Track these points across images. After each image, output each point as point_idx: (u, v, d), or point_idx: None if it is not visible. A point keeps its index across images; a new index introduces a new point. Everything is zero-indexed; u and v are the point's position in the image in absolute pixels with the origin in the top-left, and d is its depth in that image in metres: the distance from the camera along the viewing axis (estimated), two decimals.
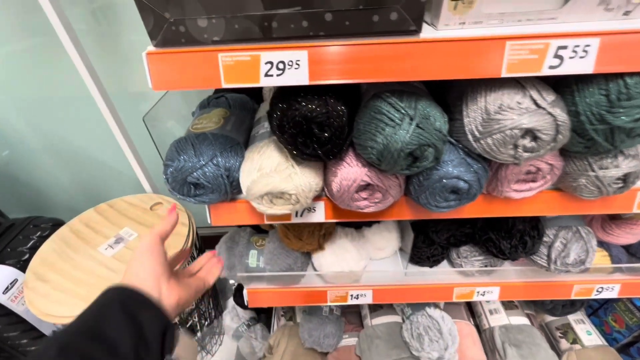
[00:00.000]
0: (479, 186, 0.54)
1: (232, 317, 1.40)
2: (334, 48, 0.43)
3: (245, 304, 0.90)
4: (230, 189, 0.60)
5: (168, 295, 0.41)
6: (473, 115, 0.49)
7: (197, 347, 1.25)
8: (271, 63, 0.44)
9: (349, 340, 1.11)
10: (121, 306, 0.35)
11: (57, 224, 1.22)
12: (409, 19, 0.42)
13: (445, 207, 0.58)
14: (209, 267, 0.55)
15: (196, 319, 1.16)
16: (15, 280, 1.03)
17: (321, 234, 0.79)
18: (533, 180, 0.58)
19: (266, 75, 0.45)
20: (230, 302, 1.40)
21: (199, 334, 1.22)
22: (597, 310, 1.16)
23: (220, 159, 0.58)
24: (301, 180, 0.55)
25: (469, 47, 0.43)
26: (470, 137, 0.50)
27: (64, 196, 1.55)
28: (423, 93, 0.52)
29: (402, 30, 0.43)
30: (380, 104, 0.48)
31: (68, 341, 0.32)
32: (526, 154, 0.48)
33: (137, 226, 1.05)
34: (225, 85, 0.46)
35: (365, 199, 0.58)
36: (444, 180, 0.53)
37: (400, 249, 0.95)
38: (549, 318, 1.18)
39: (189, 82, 0.46)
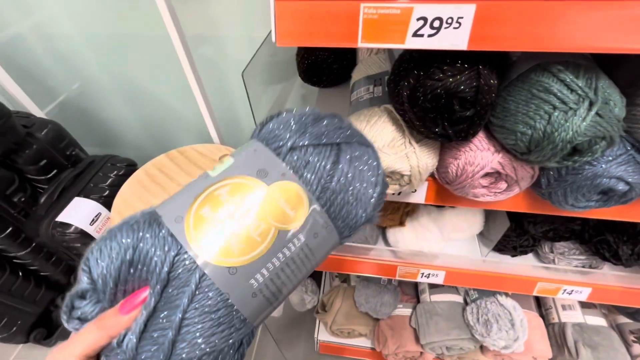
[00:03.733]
0: None
1: None
2: (517, 2, 0.33)
3: None
4: None
5: None
6: None
7: None
8: (424, 19, 0.35)
9: (402, 310, 1.11)
10: None
11: (130, 164, 1.27)
12: None
13: (582, 208, 0.49)
14: None
15: None
16: (99, 214, 1.11)
17: (405, 211, 0.74)
18: None
19: (415, 34, 0.36)
20: None
21: None
22: None
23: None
24: (419, 160, 0.48)
25: None
26: None
27: (130, 135, 1.60)
28: (597, 67, 0.41)
29: None
30: (548, 79, 0.38)
31: None
32: None
33: None
34: (361, 45, 0.38)
35: (485, 187, 0.51)
36: (600, 180, 0.44)
37: (481, 233, 0.88)
38: (623, 319, 1.09)
39: (319, 37, 0.38)
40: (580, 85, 0.37)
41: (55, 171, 1.15)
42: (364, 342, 1.17)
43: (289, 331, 1.35)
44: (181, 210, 0.27)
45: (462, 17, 0.35)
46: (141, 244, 0.26)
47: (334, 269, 0.92)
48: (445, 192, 0.57)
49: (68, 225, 1.02)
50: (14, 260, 1.13)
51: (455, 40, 0.36)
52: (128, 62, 1.31)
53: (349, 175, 0.30)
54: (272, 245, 0.28)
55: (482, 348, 1.01)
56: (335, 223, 0.31)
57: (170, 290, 0.26)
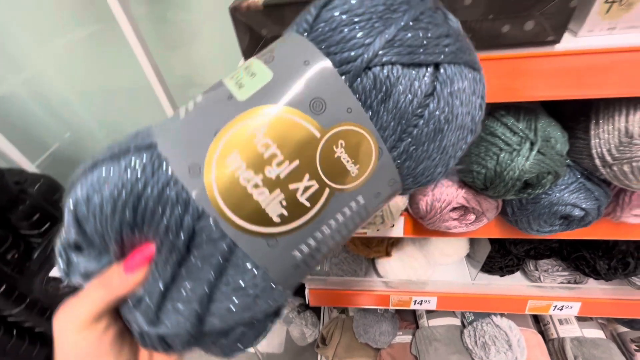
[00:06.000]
0: (597, 214, 0.47)
1: None
2: None
3: (307, 302, 0.91)
4: None
5: None
6: (606, 137, 0.42)
7: None
8: None
9: (402, 338, 1.10)
10: None
11: None
12: (547, 29, 0.35)
13: (547, 232, 0.52)
14: None
15: None
16: None
17: (390, 242, 0.76)
18: None
19: None
20: None
21: None
22: None
23: None
24: None
25: (629, 59, 0.35)
26: (598, 161, 0.43)
27: None
28: (539, 108, 0.45)
29: (536, 41, 0.36)
30: (493, 124, 0.42)
31: None
32: None
33: None
34: None
35: (455, 219, 0.53)
36: (557, 207, 0.47)
37: (468, 255, 0.89)
38: (623, 328, 1.09)
39: None
40: (521, 127, 0.41)
41: (48, 224, 1.16)
42: None
43: None
44: (196, 153, 0.19)
45: None
46: (143, 203, 0.19)
47: (329, 303, 0.92)
48: (422, 225, 0.60)
49: (61, 280, 1.02)
50: (8, 319, 1.12)
51: None
52: (116, 111, 1.36)
53: (442, 118, 0.20)
54: (324, 211, 0.20)
55: None
56: (404, 180, 0.22)
57: (192, 260, 0.20)
